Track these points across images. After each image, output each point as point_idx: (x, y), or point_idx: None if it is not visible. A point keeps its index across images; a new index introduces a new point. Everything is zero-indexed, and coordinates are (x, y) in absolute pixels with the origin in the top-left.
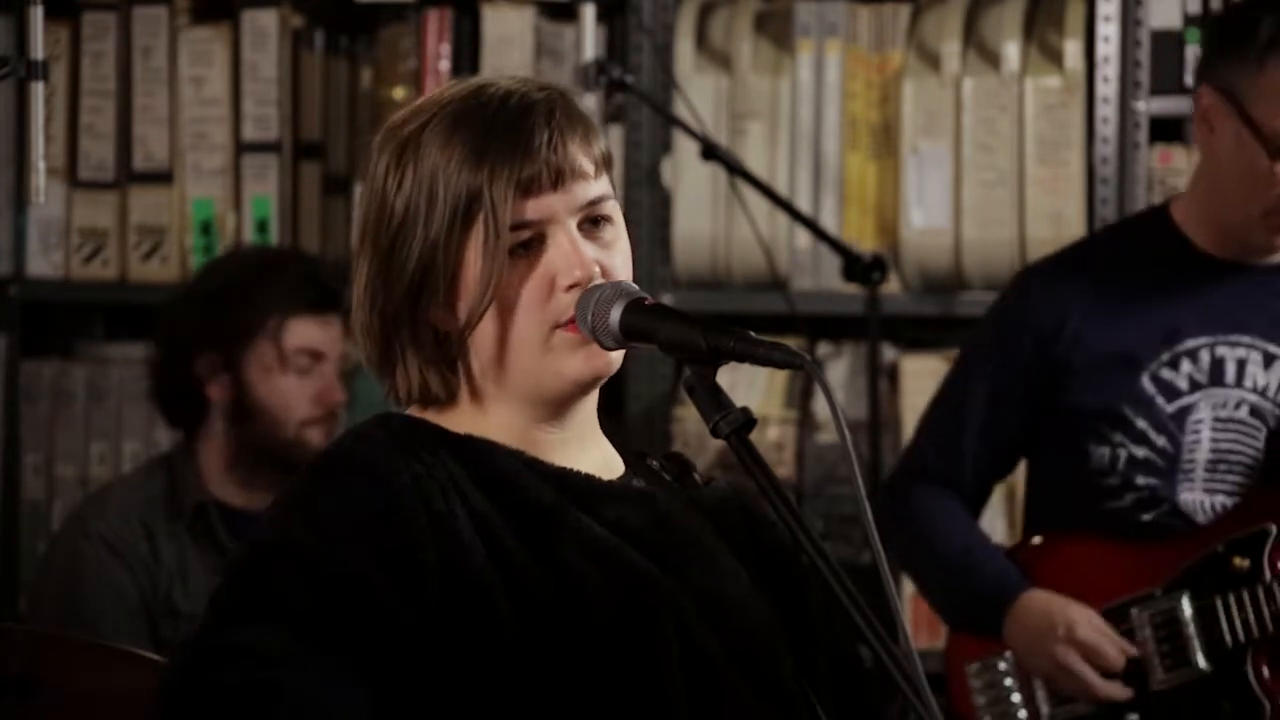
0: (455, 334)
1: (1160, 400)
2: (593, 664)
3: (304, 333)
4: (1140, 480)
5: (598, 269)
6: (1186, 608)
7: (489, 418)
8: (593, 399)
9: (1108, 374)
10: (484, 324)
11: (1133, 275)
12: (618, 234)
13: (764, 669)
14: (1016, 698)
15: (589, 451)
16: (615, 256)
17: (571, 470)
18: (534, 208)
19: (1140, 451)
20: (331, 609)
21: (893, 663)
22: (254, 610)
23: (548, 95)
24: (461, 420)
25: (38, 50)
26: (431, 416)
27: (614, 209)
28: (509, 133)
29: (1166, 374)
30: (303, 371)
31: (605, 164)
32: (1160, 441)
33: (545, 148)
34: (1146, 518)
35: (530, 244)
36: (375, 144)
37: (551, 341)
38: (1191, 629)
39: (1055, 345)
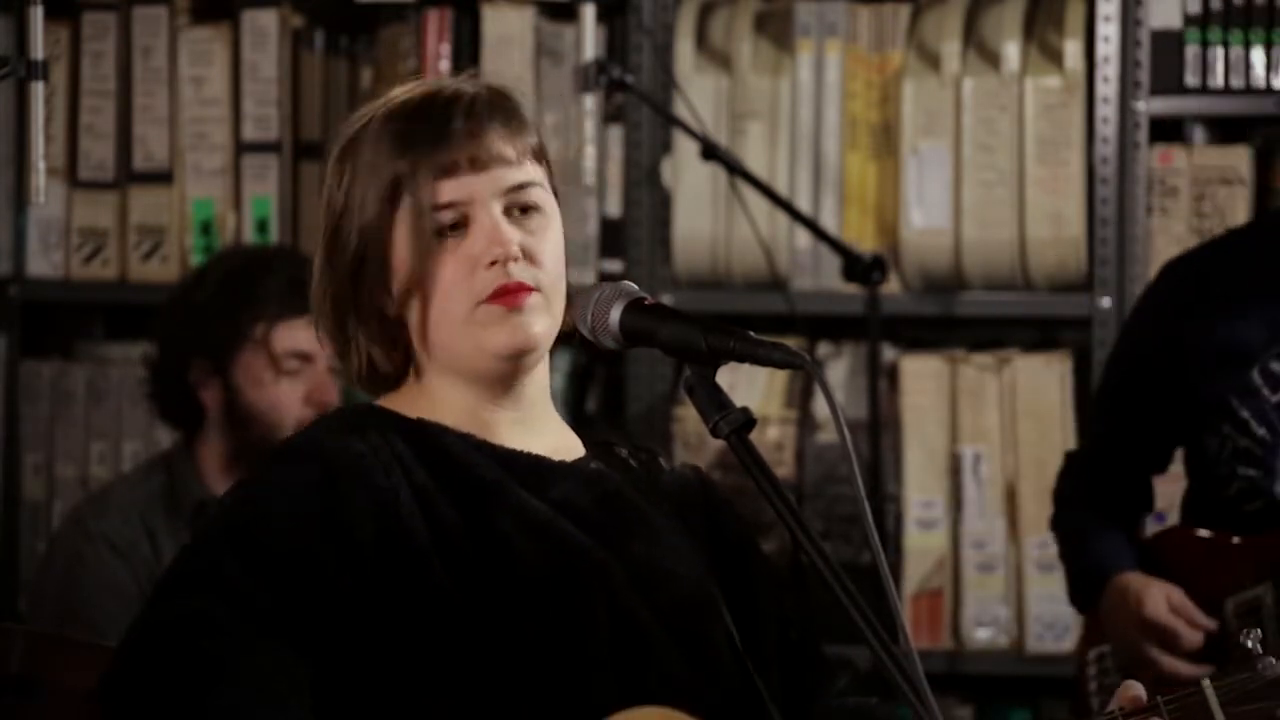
0: (392, 314)
1: (1265, 391)
2: (522, 632)
3: (292, 336)
4: (1241, 471)
5: (518, 249)
6: (1267, 600)
7: (439, 399)
8: (539, 379)
9: (1222, 366)
10: (415, 304)
11: (1256, 266)
12: (547, 224)
13: (696, 638)
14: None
15: (542, 434)
16: (542, 243)
17: (520, 451)
18: (453, 189)
19: (1242, 442)
20: (267, 581)
21: (893, 663)
22: (194, 583)
23: (475, 91)
24: (417, 404)
25: (38, 50)
26: (390, 403)
27: (542, 198)
28: (430, 122)
29: (1275, 366)
30: (293, 373)
31: (535, 155)
32: (1260, 432)
33: (461, 134)
34: (1250, 508)
35: (456, 227)
36: (327, 146)
37: (475, 315)
38: (1270, 621)
39: (1177, 336)
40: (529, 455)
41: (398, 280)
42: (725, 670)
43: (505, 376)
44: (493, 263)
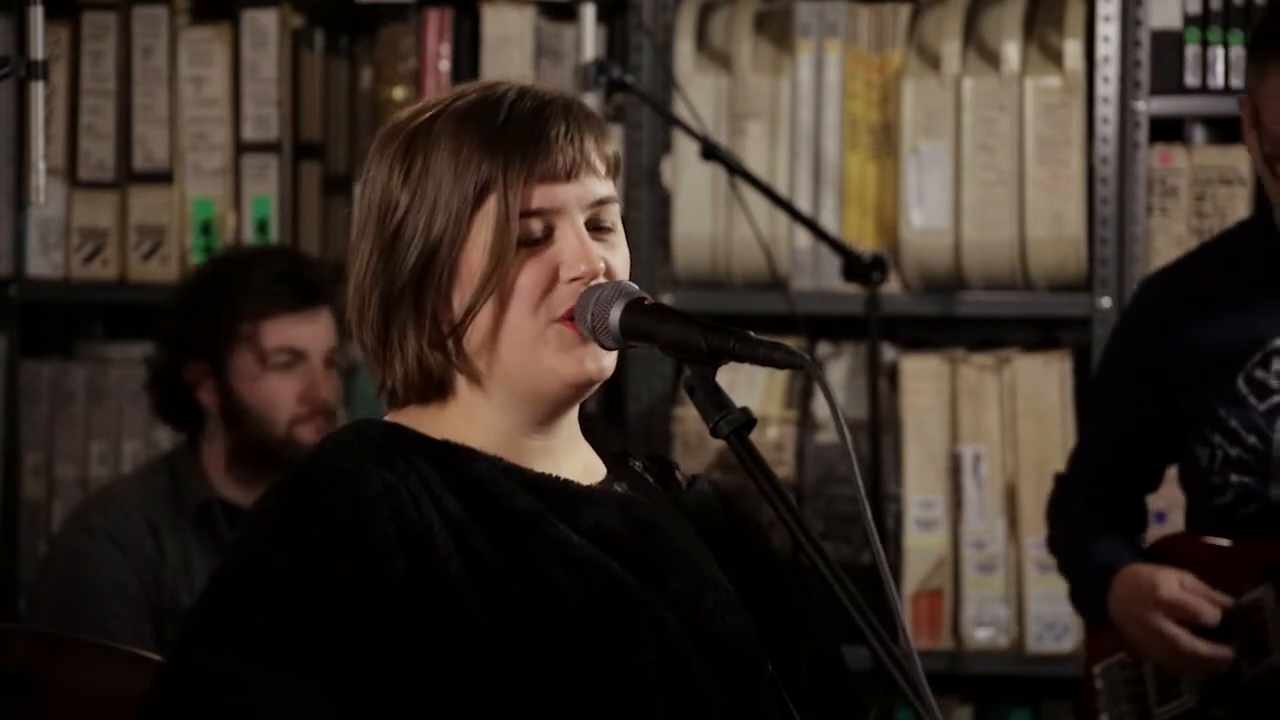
0: (454, 323)
1: (1253, 400)
2: (569, 675)
3: (281, 332)
4: (1234, 478)
5: (603, 265)
6: (1269, 600)
7: (475, 420)
8: (576, 406)
9: (1207, 377)
10: (484, 314)
11: (1231, 276)
12: (619, 240)
13: (742, 679)
14: (1131, 697)
15: (570, 458)
16: (617, 259)
17: (549, 476)
18: (546, 196)
19: (1234, 451)
20: (302, 630)
21: (893, 663)
22: (227, 635)
23: (561, 95)
24: (444, 424)
25: (38, 50)
26: (411, 421)
27: (618, 216)
28: (525, 123)
29: (1259, 374)
30: (285, 370)
31: (614, 168)
32: (1251, 440)
33: (562, 138)
34: (1246, 512)
35: (536, 239)
36: (376, 141)
37: (547, 335)
38: (1272, 621)
39: (1160, 352)
40: (558, 480)
41: (467, 289)
42: (769, 711)
43: (563, 402)
44: (574, 279)
